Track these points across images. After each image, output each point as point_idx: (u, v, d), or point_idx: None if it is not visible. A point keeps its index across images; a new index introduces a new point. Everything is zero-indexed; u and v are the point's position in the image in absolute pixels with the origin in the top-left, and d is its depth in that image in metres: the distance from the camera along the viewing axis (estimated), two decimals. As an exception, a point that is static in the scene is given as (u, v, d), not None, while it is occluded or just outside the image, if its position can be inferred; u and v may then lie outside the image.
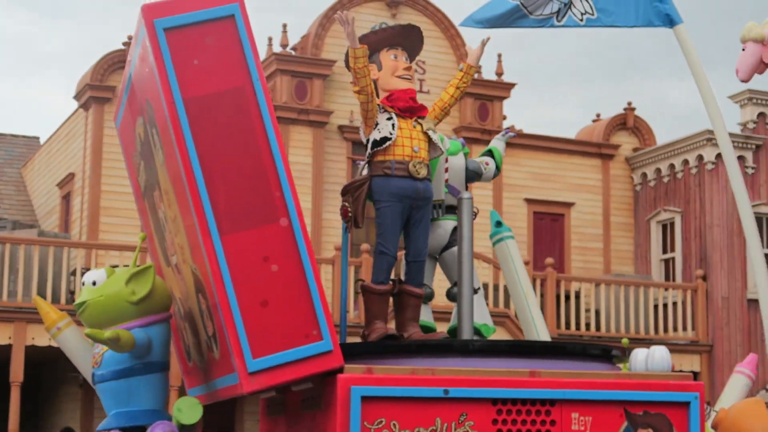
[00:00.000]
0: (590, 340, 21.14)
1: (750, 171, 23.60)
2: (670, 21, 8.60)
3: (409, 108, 5.99)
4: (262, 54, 22.20)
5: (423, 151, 6.07)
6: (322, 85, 22.74)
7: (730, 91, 24.26)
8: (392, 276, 6.33)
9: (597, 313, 22.04)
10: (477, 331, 6.91)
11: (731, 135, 23.21)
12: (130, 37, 20.93)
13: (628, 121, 25.51)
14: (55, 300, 18.25)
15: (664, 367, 6.04)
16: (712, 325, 22.59)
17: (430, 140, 6.23)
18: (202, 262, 5.36)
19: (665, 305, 22.59)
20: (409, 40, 6.41)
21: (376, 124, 5.97)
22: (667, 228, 24.56)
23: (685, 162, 23.88)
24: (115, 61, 21.26)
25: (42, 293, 18.01)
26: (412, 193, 5.94)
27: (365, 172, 6.25)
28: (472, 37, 26.89)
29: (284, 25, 23.69)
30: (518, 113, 71.91)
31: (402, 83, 6.10)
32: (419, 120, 6.15)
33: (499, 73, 24.77)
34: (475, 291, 6.59)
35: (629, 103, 25.76)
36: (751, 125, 23.87)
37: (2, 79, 74.86)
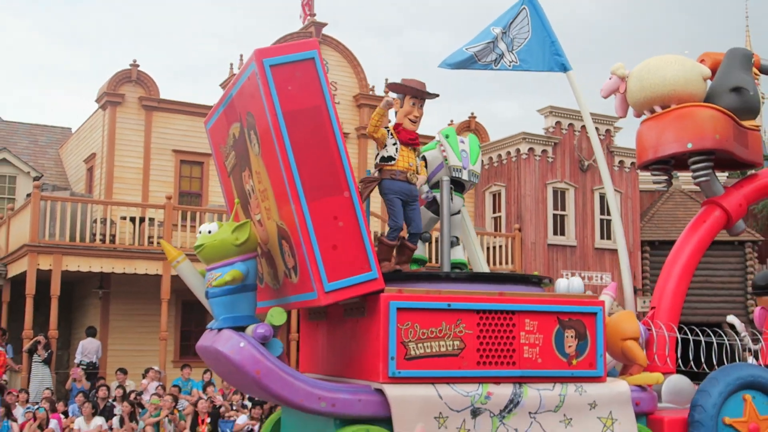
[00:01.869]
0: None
1: (550, 160, 24.46)
2: (563, 67, 8.99)
3: (407, 142, 6.45)
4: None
5: (414, 166, 6.55)
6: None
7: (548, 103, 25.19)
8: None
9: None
10: (463, 265, 7.71)
11: (538, 136, 24.43)
12: (135, 60, 20.71)
13: (471, 125, 25.97)
14: (82, 239, 17.92)
15: (580, 290, 6.49)
16: (525, 261, 23.47)
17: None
18: (291, 219, 5.67)
19: (494, 247, 23.34)
20: (426, 97, 6.89)
21: (385, 145, 6.43)
22: (495, 196, 25.35)
23: (508, 153, 24.62)
24: (123, 77, 20.82)
25: (73, 235, 17.67)
26: (408, 191, 6.46)
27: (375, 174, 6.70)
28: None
29: (241, 55, 23.31)
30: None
31: (410, 125, 6.65)
32: (413, 147, 6.60)
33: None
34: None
35: (472, 113, 26.27)
36: (551, 129, 24.74)
37: (48, 87, 79.67)
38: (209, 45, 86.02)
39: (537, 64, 8.97)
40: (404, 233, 6.84)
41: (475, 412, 5.90)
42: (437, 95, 6.90)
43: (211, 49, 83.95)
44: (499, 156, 25.53)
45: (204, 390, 16.45)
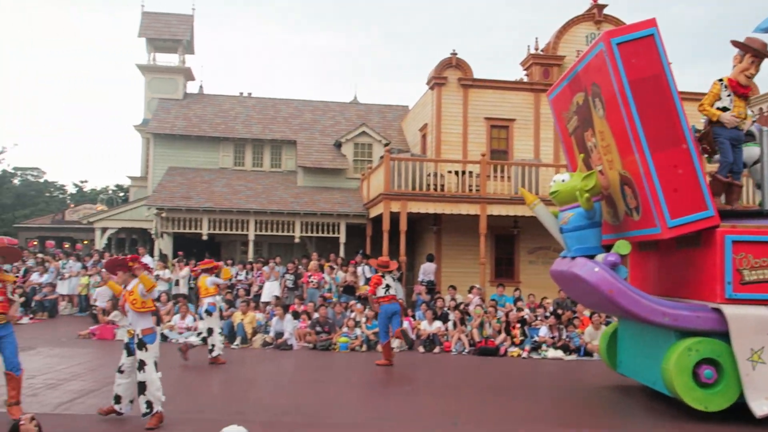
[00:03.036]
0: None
1: None
2: None
3: (741, 93, 5.85)
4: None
5: (744, 114, 6.01)
6: (558, 70, 21.86)
7: None
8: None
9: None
10: None
11: None
12: (453, 50, 20.80)
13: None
14: (420, 189, 18.64)
15: None
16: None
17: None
18: (635, 168, 5.45)
19: None
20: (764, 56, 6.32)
21: (719, 98, 5.89)
22: None
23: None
24: (446, 63, 21.14)
25: (414, 186, 18.45)
26: (737, 136, 6.01)
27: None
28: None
29: (536, 38, 22.72)
30: None
31: (744, 80, 6.02)
32: (744, 97, 5.99)
33: None
34: None
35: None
36: None
37: (388, 79, 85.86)
38: (507, 34, 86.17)
39: None
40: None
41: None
42: None
43: (511, 37, 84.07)
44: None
45: (515, 303, 16.61)
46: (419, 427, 7.72)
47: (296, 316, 15.67)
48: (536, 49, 22.16)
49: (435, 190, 18.97)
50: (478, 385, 10.92)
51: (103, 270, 17.26)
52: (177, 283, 18.79)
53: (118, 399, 7.73)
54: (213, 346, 12.11)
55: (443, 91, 21.09)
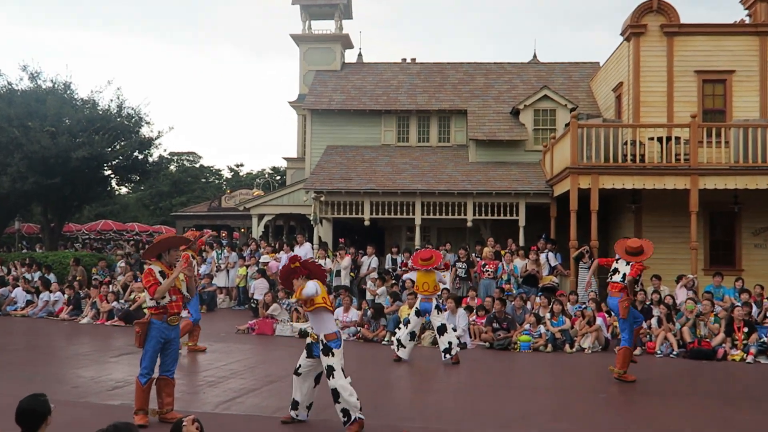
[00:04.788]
0: None
1: None
2: None
3: None
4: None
5: None
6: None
7: None
8: None
9: None
10: None
11: None
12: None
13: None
14: (615, 160, 18.18)
15: None
16: None
17: None
18: None
19: None
20: None
21: None
22: None
23: None
24: (645, 8, 20.21)
25: (607, 157, 17.93)
26: None
27: None
28: None
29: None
30: None
31: None
32: None
33: None
34: None
35: None
36: None
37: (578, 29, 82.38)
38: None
39: None
40: None
41: None
42: None
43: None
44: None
45: (738, 297, 15.61)
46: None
47: (470, 310, 15.75)
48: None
49: (633, 161, 18.35)
50: (696, 393, 10.49)
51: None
52: (338, 273, 19.54)
53: (295, 405, 8.02)
54: (450, 344, 12.61)
55: (642, 42, 20.24)
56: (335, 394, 7.61)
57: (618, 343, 12.16)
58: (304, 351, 7.98)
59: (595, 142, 18.16)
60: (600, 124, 18.82)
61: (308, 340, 8.02)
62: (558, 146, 20.71)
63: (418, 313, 12.96)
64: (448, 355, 12.56)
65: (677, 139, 18.31)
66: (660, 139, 18.55)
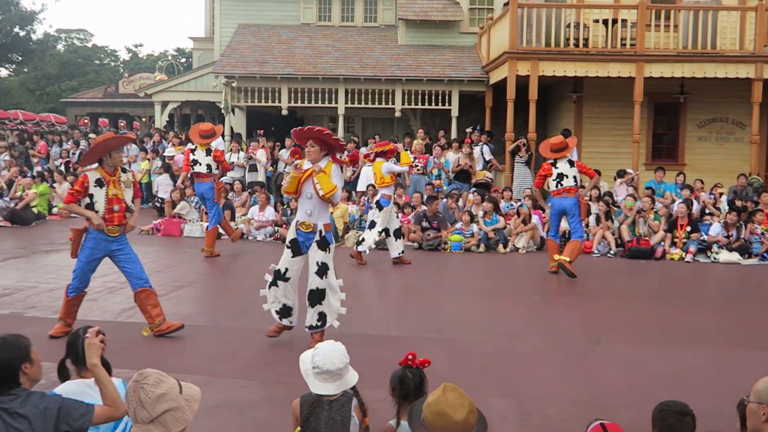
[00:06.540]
0: None
1: None
2: None
3: None
4: None
5: None
6: None
7: None
8: None
9: None
10: None
11: None
12: None
13: None
14: (557, 44, 18.11)
15: None
16: None
17: None
18: None
19: None
20: None
21: None
22: None
23: None
24: None
25: (548, 41, 17.89)
26: None
27: None
28: None
29: None
30: None
31: None
32: None
33: None
34: None
35: None
36: None
37: None
38: None
39: None
40: None
41: None
42: None
43: None
44: None
45: (680, 193, 16.17)
46: (553, 345, 7.79)
47: (398, 208, 15.91)
48: None
49: (576, 45, 18.35)
50: (629, 294, 10.91)
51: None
52: (253, 168, 19.38)
53: (288, 311, 7.69)
54: (363, 239, 12.95)
55: None
56: (317, 296, 7.38)
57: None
58: (287, 251, 7.57)
59: (536, 24, 18.05)
60: (542, 4, 18.63)
61: (290, 235, 7.59)
62: (495, 28, 20.52)
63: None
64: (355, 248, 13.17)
65: (623, 21, 18.37)
66: (606, 22, 18.60)
